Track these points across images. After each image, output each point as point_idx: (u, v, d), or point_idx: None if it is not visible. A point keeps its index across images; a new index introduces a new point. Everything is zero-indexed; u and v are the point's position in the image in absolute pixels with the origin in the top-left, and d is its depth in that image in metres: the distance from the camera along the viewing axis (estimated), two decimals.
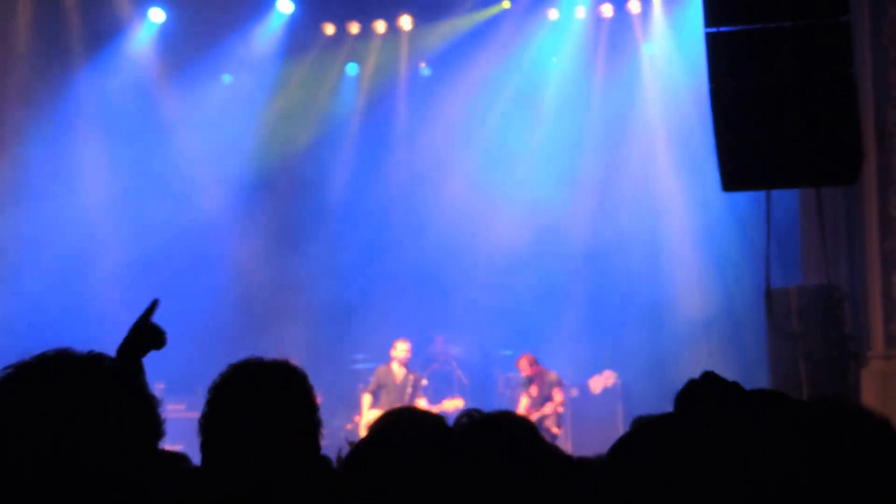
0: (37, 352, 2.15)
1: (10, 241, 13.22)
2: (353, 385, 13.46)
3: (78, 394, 2.09)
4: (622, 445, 2.26)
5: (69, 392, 2.09)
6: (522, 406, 12.58)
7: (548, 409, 12.49)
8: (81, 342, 2.21)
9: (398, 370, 12.71)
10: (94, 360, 2.17)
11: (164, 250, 13.97)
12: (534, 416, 12.26)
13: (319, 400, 10.16)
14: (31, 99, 13.60)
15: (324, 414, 9.35)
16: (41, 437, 2.05)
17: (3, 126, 13.33)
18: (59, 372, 2.12)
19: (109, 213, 13.91)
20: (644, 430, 2.26)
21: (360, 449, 2.99)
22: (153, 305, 4.22)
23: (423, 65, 14.79)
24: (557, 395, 12.56)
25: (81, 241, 13.61)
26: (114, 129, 14.13)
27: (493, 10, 14.18)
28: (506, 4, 14.24)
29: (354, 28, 14.59)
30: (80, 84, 14.15)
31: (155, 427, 2.18)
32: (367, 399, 12.70)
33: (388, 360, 12.78)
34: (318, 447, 3.14)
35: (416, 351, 13.13)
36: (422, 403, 12.58)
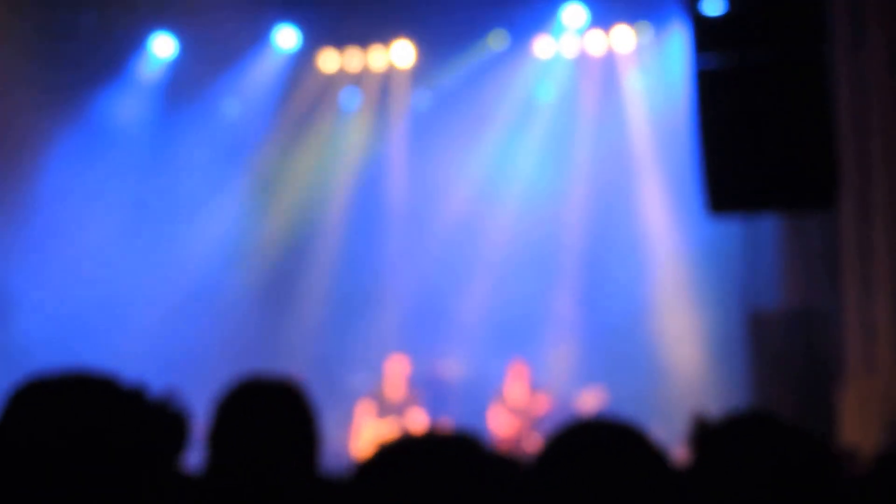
0: (47, 370, 2.11)
1: (18, 259, 13.19)
2: (349, 400, 13.30)
3: (88, 413, 2.07)
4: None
5: (79, 411, 2.07)
6: (499, 411, 12.50)
7: (530, 413, 12.45)
8: (93, 358, 2.03)
9: (397, 383, 12.63)
10: (107, 381, 2.14)
11: (171, 273, 14.02)
12: (515, 423, 12.31)
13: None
14: (47, 120, 13.59)
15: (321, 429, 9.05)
16: (48, 451, 2.03)
17: (17, 148, 13.34)
18: (71, 392, 2.09)
19: (119, 232, 13.93)
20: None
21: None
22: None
23: (422, 97, 14.78)
24: (539, 404, 12.56)
25: (91, 259, 13.59)
26: (124, 152, 14.20)
27: (488, 44, 14.12)
28: (492, 43, 14.18)
29: (356, 61, 14.57)
30: (95, 109, 14.18)
31: (168, 446, 2.18)
32: (366, 409, 12.58)
33: (384, 373, 12.77)
34: (315, 466, 3.15)
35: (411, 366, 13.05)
36: (418, 416, 12.47)
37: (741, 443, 2.35)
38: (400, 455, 2.15)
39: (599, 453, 2.14)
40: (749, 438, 2.37)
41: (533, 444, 12.16)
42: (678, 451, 7.11)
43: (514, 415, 12.52)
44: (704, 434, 2.43)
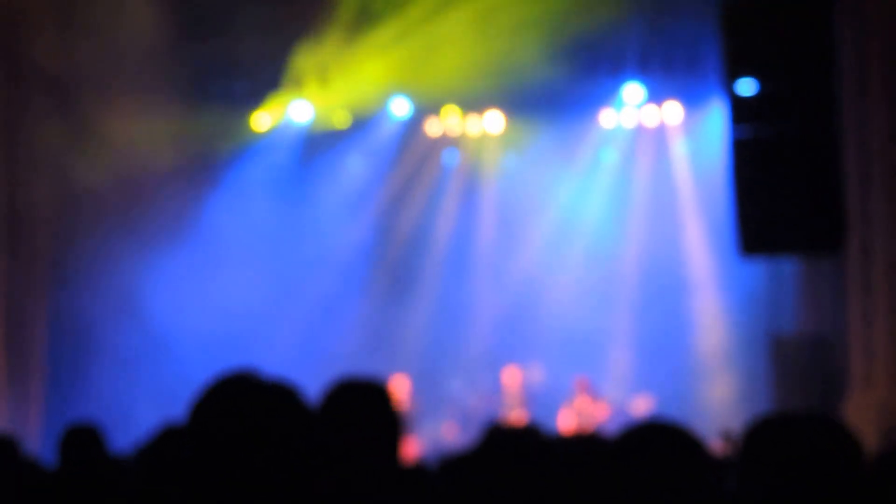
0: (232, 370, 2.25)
1: (180, 294, 13.96)
2: (446, 401, 14.65)
3: (265, 406, 2.18)
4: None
5: (260, 404, 2.18)
6: (565, 417, 13.30)
7: (591, 419, 13.29)
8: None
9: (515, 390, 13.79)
10: (278, 383, 2.26)
11: (305, 295, 15.34)
12: (581, 426, 13.00)
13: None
14: (209, 171, 14.88)
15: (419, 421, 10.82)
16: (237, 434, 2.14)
17: (180, 197, 14.45)
18: (251, 388, 2.21)
19: (262, 265, 15.01)
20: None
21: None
22: None
23: (508, 155, 15.96)
24: (599, 411, 13.43)
25: (238, 289, 14.53)
26: (274, 195, 15.44)
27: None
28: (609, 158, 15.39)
29: (454, 128, 15.81)
30: (245, 161, 15.54)
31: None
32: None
33: (493, 384, 14.08)
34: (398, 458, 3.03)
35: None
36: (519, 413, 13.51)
37: (790, 431, 2.47)
38: (510, 437, 2.70)
39: (660, 444, 2.50)
40: (796, 428, 2.50)
41: None
42: (714, 444, 8.72)
43: (579, 419, 13.48)
44: (762, 425, 2.52)
